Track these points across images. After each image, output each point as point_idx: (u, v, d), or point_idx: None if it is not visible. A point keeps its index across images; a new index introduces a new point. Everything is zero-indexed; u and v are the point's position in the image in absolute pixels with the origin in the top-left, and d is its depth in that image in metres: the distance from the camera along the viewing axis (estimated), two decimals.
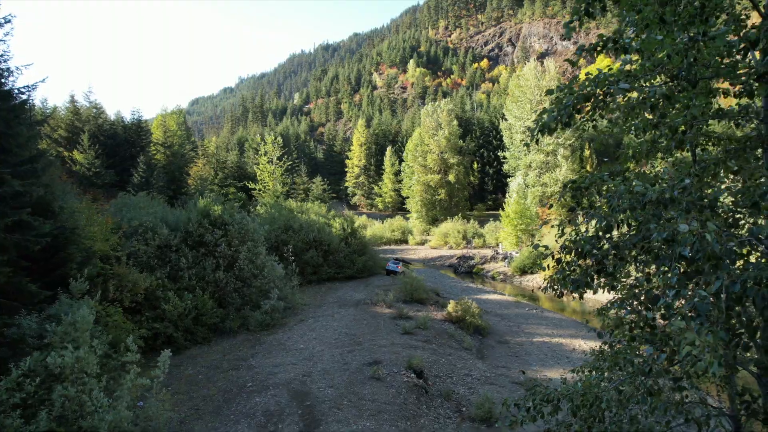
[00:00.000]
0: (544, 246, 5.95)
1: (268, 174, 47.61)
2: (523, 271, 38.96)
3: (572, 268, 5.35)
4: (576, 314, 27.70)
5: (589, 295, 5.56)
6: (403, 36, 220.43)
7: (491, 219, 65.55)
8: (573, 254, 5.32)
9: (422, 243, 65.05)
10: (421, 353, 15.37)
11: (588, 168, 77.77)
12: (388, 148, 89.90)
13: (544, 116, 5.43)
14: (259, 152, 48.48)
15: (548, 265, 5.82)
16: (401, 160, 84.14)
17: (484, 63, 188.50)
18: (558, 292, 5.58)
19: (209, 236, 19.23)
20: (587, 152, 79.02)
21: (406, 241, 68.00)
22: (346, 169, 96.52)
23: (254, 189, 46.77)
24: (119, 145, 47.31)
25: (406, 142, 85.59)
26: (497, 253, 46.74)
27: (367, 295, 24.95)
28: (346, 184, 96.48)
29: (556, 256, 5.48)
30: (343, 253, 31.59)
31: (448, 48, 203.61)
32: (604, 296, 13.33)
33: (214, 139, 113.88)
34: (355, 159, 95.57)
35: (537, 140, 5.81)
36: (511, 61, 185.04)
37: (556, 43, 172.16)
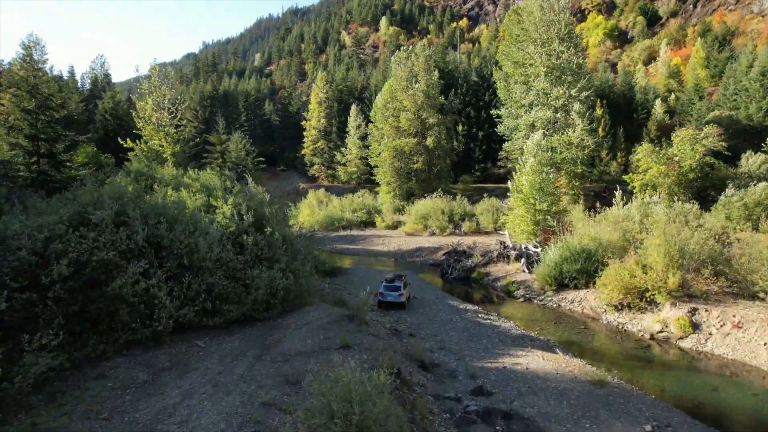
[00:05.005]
0: None
1: (152, 126, 30.80)
2: (562, 284, 23.55)
3: None
4: None
5: None
6: None
7: (485, 195, 50.10)
8: None
9: (394, 227, 49.18)
10: None
11: (600, 131, 62.68)
12: (353, 106, 72.79)
13: None
14: (142, 90, 31.59)
15: None
16: (369, 121, 67.50)
17: (464, 22, 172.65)
18: None
19: None
20: (599, 110, 63.88)
21: (373, 224, 52.04)
22: (304, 132, 79.11)
23: (134, 149, 30.06)
24: None
25: (375, 98, 68.85)
26: (505, 247, 31.21)
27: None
28: (303, 152, 79.28)
29: None
30: (228, 266, 15.40)
31: (423, 6, 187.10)
32: None
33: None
34: (314, 120, 78.02)
35: None
36: (492, 19, 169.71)
37: None
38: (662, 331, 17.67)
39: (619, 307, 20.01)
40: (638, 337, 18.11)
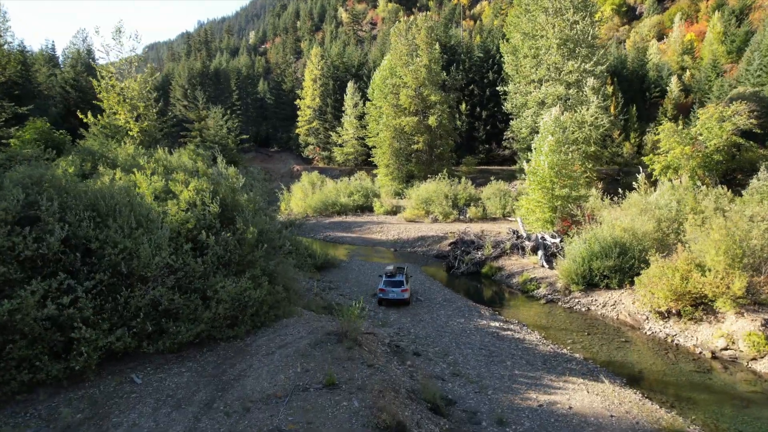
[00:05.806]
0: None
1: (115, 97, 27.06)
2: (591, 283, 20.13)
3: None
4: None
5: None
6: None
7: (490, 177, 46.68)
8: None
9: (393, 212, 45.64)
10: None
11: (612, 110, 58.72)
12: (350, 84, 68.56)
13: None
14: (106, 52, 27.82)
15: None
16: (367, 99, 63.49)
17: None
18: None
19: None
20: (610, 88, 59.82)
21: (370, 209, 48.47)
22: (298, 112, 74.91)
23: (92, 124, 26.36)
24: None
25: (373, 75, 64.65)
26: (518, 236, 27.74)
27: None
28: (298, 131, 75.18)
29: None
30: (183, 272, 11.94)
31: None
32: None
33: (140, 77, 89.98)
34: (308, 99, 73.79)
35: None
36: None
37: None
38: (727, 349, 14.29)
39: (665, 315, 16.60)
40: (695, 354, 14.72)
